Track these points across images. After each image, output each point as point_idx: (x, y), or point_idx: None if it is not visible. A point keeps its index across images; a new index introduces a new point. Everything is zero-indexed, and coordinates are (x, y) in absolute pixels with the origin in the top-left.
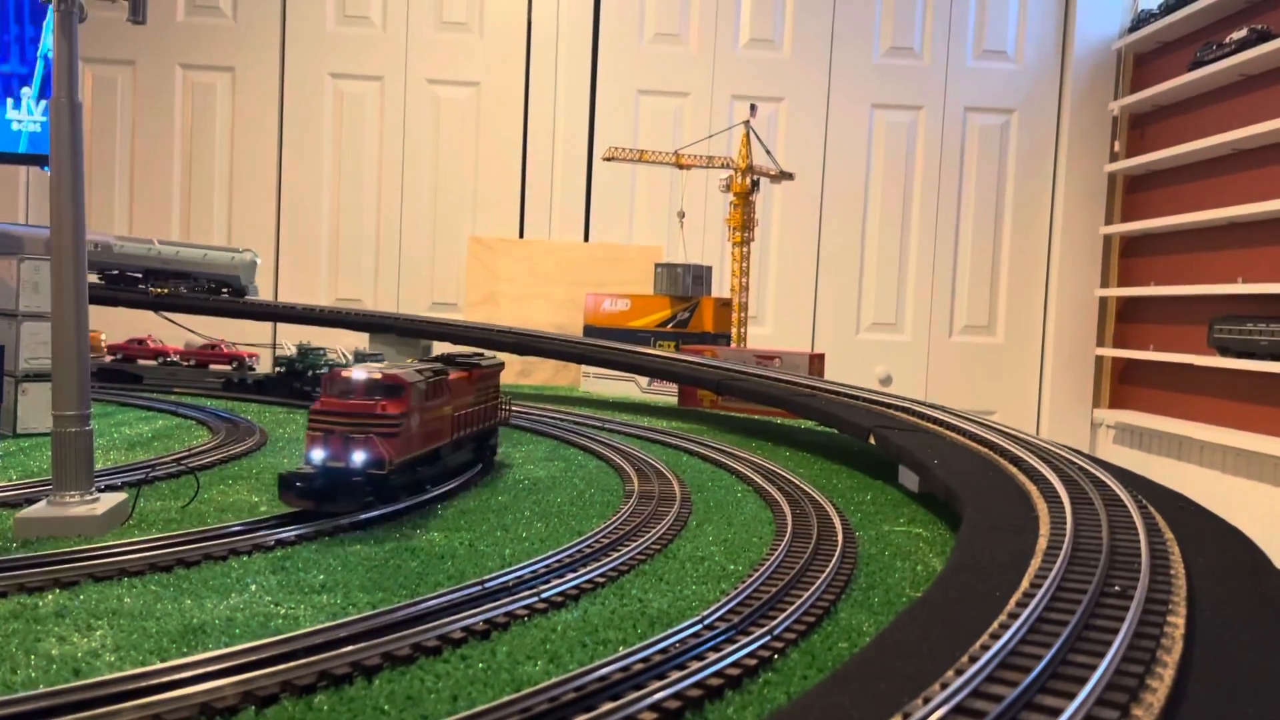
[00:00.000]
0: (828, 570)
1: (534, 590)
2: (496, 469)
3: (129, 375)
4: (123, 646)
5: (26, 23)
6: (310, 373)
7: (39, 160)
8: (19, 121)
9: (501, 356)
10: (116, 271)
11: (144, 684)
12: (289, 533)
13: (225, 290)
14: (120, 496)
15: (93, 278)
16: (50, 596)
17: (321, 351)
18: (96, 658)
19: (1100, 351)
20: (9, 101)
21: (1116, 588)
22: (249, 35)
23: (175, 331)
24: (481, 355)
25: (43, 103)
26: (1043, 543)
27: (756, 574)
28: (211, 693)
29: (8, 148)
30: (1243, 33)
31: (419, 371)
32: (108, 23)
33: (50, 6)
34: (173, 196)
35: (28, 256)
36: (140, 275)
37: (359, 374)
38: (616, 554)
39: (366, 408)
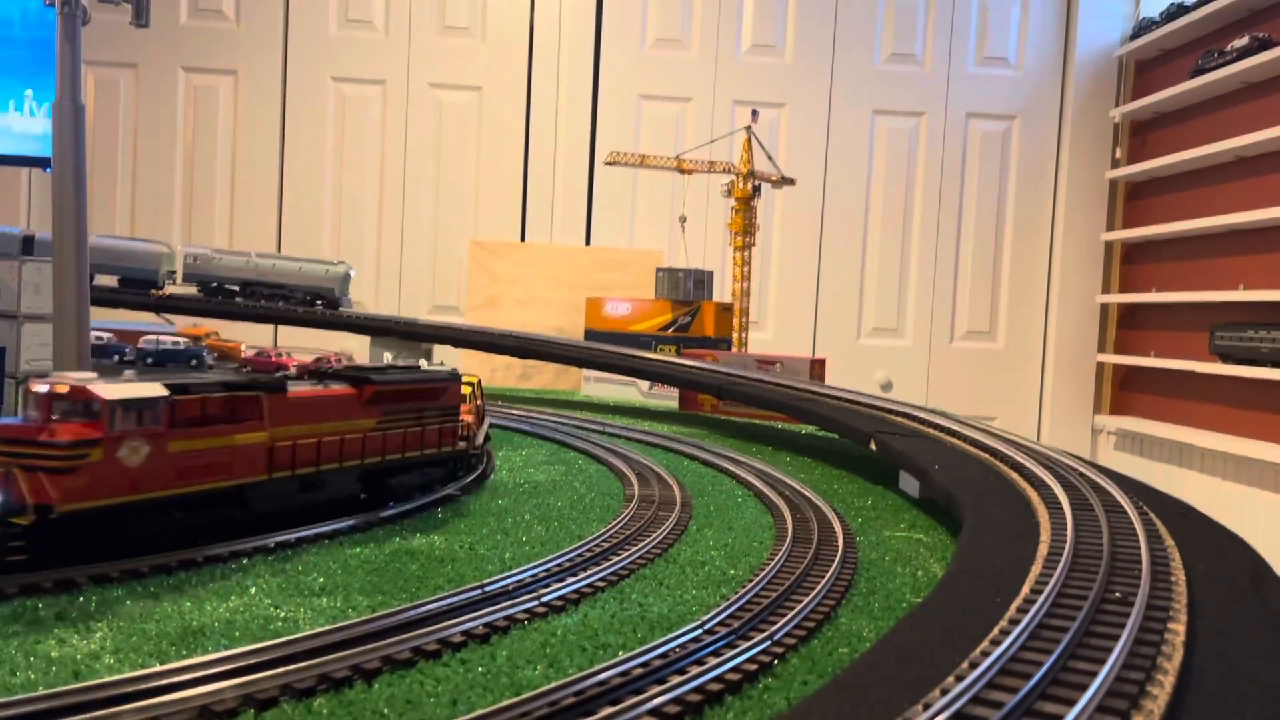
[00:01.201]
0: (828, 575)
1: (534, 594)
2: (496, 473)
3: None
4: (122, 649)
5: (15, 26)
6: None
7: (41, 162)
8: (20, 123)
9: (503, 360)
10: (215, 285)
11: (143, 686)
12: (289, 535)
13: (320, 302)
14: None
15: (192, 290)
16: (50, 598)
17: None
18: (96, 660)
19: (1101, 358)
20: (10, 104)
21: (1117, 594)
22: (252, 38)
23: (295, 345)
24: (415, 367)
25: (45, 105)
26: (1043, 549)
27: (757, 579)
28: (211, 695)
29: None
30: (1244, 40)
31: (171, 384)
32: (110, 25)
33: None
34: (175, 199)
35: (31, 259)
36: (237, 288)
37: (41, 386)
38: (617, 558)
39: (28, 433)
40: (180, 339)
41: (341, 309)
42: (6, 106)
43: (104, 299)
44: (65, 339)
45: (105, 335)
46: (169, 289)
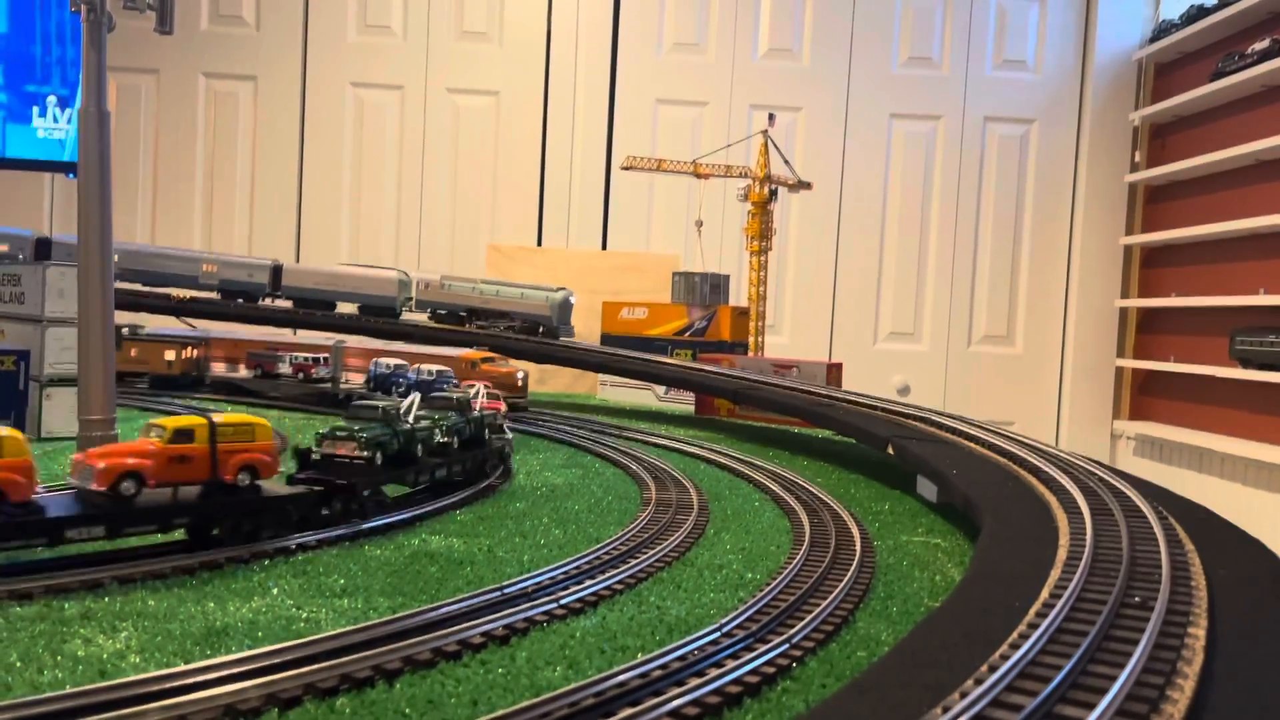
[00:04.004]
0: (846, 579)
1: (553, 596)
2: (514, 476)
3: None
4: (147, 648)
5: (68, 43)
6: None
7: (65, 168)
8: (45, 129)
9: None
10: (445, 311)
11: (169, 685)
12: (310, 537)
13: (540, 329)
14: None
15: (423, 318)
16: (76, 598)
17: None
18: (122, 659)
19: (1120, 362)
20: (34, 109)
21: (1137, 599)
22: (271, 44)
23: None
24: None
25: (69, 111)
26: (1062, 553)
27: (774, 582)
28: (235, 695)
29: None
30: (1265, 43)
31: None
32: (132, 31)
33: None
34: (195, 204)
35: (54, 263)
36: (465, 314)
37: None
38: (634, 561)
39: None
40: (434, 368)
41: (560, 338)
42: (30, 113)
43: (125, 302)
44: (90, 342)
45: (395, 363)
46: (405, 315)
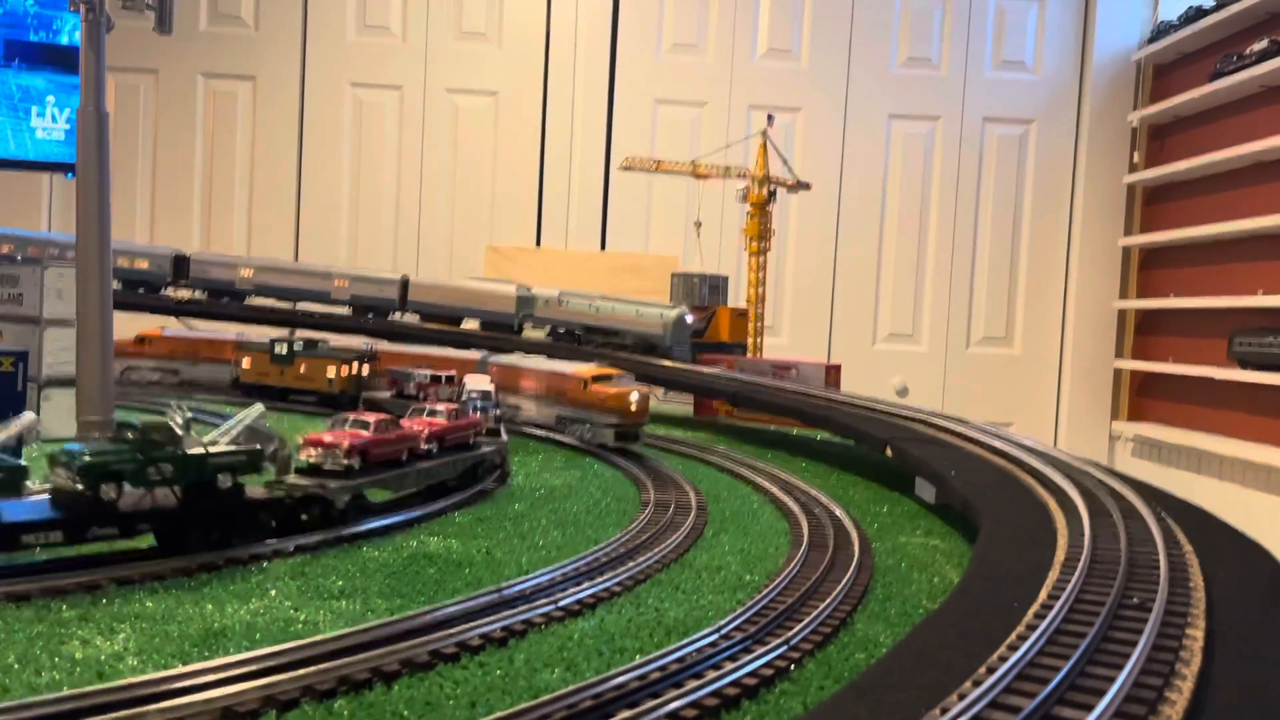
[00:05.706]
0: (844, 581)
1: (551, 598)
2: (513, 478)
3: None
4: (145, 650)
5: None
6: None
7: (64, 168)
8: (43, 129)
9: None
10: (563, 330)
11: (166, 687)
12: (309, 539)
13: (653, 349)
14: None
15: (541, 334)
16: (74, 600)
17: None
18: (119, 661)
19: (1119, 363)
20: (34, 110)
21: (1135, 600)
22: (270, 44)
23: None
24: None
25: (67, 111)
26: (1060, 555)
27: (773, 584)
28: (233, 696)
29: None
30: (1263, 44)
31: None
32: (131, 31)
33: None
34: (194, 204)
35: (52, 263)
36: (579, 332)
37: None
38: (633, 563)
39: None
40: (479, 389)
41: (673, 358)
42: (29, 113)
43: (125, 302)
44: (88, 343)
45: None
46: (528, 331)
